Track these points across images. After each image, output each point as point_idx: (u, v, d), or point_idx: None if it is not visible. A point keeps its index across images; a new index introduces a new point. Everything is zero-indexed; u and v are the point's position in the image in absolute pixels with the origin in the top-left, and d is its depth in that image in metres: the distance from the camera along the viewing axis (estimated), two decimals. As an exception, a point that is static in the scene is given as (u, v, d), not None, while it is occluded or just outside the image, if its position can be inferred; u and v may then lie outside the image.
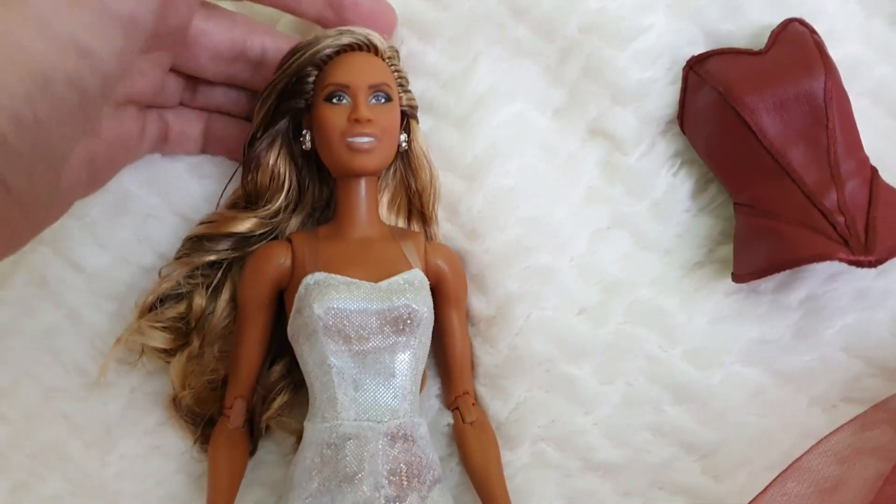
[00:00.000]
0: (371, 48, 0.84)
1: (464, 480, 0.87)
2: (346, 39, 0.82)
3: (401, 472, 0.77)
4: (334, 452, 0.76)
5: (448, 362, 0.88)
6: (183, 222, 0.91)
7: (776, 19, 0.90)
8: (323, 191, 0.91)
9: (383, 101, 0.82)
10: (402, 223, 0.91)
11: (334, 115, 0.81)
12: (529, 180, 0.92)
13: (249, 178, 0.86)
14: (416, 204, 0.91)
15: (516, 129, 0.93)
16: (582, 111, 0.93)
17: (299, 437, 0.86)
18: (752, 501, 0.75)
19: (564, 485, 0.87)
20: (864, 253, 0.80)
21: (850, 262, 0.80)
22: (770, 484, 0.76)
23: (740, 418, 0.86)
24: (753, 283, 0.89)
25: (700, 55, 0.91)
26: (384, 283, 0.80)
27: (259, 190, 0.87)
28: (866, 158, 0.86)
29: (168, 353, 0.86)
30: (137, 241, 0.90)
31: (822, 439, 0.78)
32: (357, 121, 0.80)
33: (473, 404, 0.88)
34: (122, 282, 0.89)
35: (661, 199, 0.92)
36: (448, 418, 0.89)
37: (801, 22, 0.90)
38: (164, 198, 0.91)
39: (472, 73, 0.93)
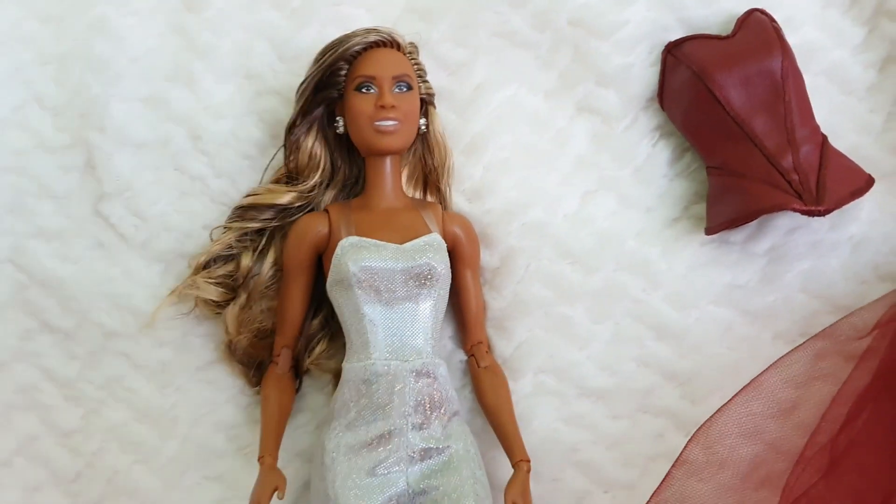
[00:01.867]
0: (394, 44, 0.97)
1: (475, 407, 0.99)
2: (372, 38, 0.95)
3: (425, 403, 0.89)
4: (368, 387, 0.89)
5: (464, 315, 1.00)
6: (223, 195, 1.03)
7: (741, 8, 1.03)
8: (353, 169, 1.03)
9: (405, 89, 0.96)
10: (418, 195, 1.03)
11: (363, 103, 0.94)
12: (523, 152, 1.05)
13: (290, 158, 0.99)
14: (433, 178, 1.03)
15: (511, 110, 1.06)
16: (571, 92, 1.06)
17: (335, 375, 0.98)
18: (718, 411, 0.87)
19: (562, 409, 0.99)
20: (815, 204, 0.93)
21: (804, 212, 0.93)
22: (733, 398, 0.88)
23: (713, 351, 0.99)
24: (725, 235, 1.02)
25: (676, 40, 1.04)
26: (408, 245, 0.93)
27: (299, 169, 0.99)
28: (818, 127, 0.99)
29: (218, 305, 0.98)
30: (176, 213, 1.02)
31: (778, 360, 0.90)
32: (383, 107, 0.93)
33: (487, 352, 1.00)
34: (166, 248, 1.01)
35: (643, 166, 1.05)
36: (460, 355, 1.01)
37: (762, 11, 1.03)
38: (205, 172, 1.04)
39: (474, 63, 1.06)
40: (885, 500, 0.85)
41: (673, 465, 0.86)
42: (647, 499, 0.87)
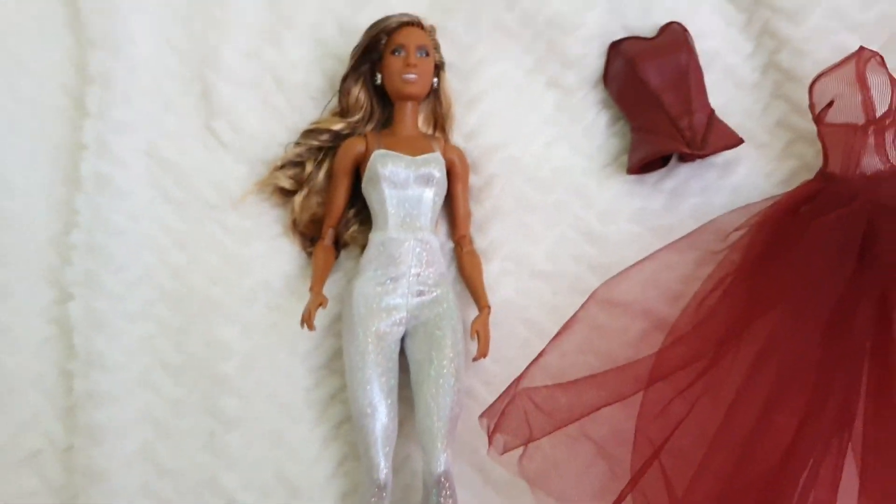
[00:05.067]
0: (419, 24, 1.34)
1: (457, 278, 1.34)
2: (405, 19, 1.33)
3: (423, 259, 1.26)
4: (385, 247, 1.25)
5: (455, 216, 1.36)
6: (295, 124, 1.41)
7: (664, 21, 1.40)
8: (385, 111, 1.39)
9: (424, 55, 1.33)
10: (430, 132, 1.39)
11: (396, 62, 1.32)
12: (506, 110, 1.41)
13: (343, 100, 1.36)
14: (441, 122, 1.39)
15: (500, 81, 1.42)
16: (543, 71, 1.42)
17: (362, 248, 1.33)
18: (621, 275, 1.23)
19: (518, 284, 1.34)
20: (699, 150, 1.29)
21: (690, 154, 1.29)
22: (629, 271, 1.24)
23: (626, 254, 1.31)
24: (640, 177, 1.37)
25: (618, 39, 1.40)
26: (419, 158, 1.29)
27: (349, 107, 1.36)
28: (708, 103, 1.34)
29: (288, 193, 1.35)
30: (261, 132, 1.39)
31: (660, 253, 1.26)
32: (408, 65, 1.31)
33: (469, 243, 1.35)
34: (253, 155, 1.38)
35: (590, 126, 1.40)
36: (450, 244, 1.37)
37: (678, 23, 1.39)
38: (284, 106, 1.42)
39: (476, 45, 1.42)
40: (729, 337, 1.18)
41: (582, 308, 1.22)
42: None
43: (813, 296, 1.18)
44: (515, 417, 1.13)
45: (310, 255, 1.34)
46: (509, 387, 1.14)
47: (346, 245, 1.36)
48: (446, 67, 1.41)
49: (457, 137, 1.41)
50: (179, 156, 1.38)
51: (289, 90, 1.42)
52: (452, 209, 1.36)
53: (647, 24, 1.42)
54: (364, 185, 1.31)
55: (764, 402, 1.11)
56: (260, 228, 1.37)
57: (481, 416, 1.14)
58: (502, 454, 1.12)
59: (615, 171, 1.40)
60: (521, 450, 1.14)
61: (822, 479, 1.09)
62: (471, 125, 1.41)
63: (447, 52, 1.41)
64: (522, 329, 1.33)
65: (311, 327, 1.18)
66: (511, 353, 1.30)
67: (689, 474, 1.12)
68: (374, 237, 1.28)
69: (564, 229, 1.37)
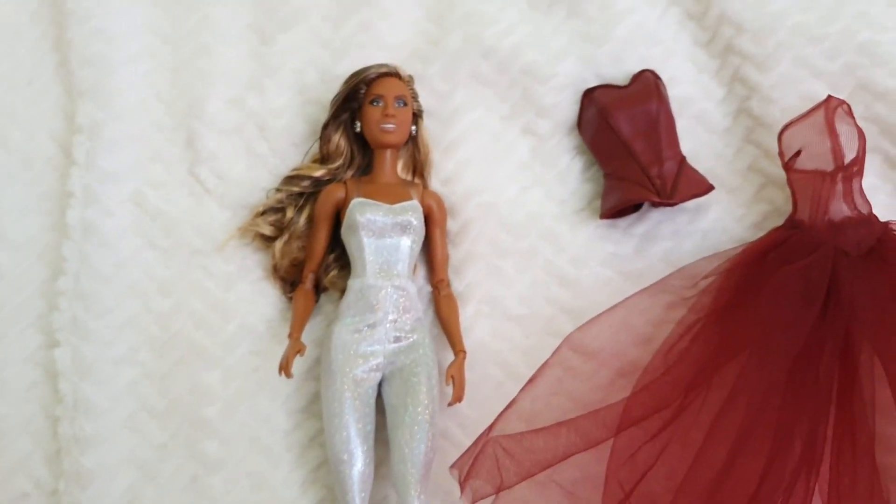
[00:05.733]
0: (397, 75, 1.37)
1: (435, 321, 1.36)
2: (383, 69, 1.36)
3: (400, 306, 1.28)
4: (363, 294, 1.28)
5: (432, 260, 1.38)
6: (276, 169, 1.43)
7: (638, 69, 1.43)
8: (365, 158, 1.42)
9: (402, 105, 1.35)
10: (409, 178, 1.42)
11: (374, 112, 1.34)
12: (482, 156, 1.44)
13: (323, 146, 1.39)
14: (419, 168, 1.42)
15: (476, 127, 1.45)
16: (518, 119, 1.45)
17: (341, 292, 1.36)
18: (592, 321, 1.26)
19: (493, 327, 1.36)
20: (668, 198, 1.32)
21: (659, 203, 1.32)
22: (601, 317, 1.27)
23: (597, 297, 1.34)
24: (613, 222, 1.39)
25: (590, 88, 1.43)
26: (396, 206, 1.32)
27: (329, 154, 1.39)
28: (679, 151, 1.37)
29: (268, 239, 1.37)
30: (244, 178, 1.42)
31: (633, 298, 1.28)
32: (386, 115, 1.33)
33: (446, 286, 1.37)
34: (235, 201, 1.41)
35: (563, 172, 1.43)
36: (429, 288, 1.39)
37: (651, 71, 1.42)
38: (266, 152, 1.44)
39: (454, 93, 1.45)
40: (698, 382, 1.20)
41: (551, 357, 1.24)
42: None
43: (779, 341, 1.20)
44: (486, 465, 1.15)
45: (290, 299, 1.37)
46: (481, 435, 1.16)
47: (325, 289, 1.38)
48: (424, 114, 1.43)
49: (435, 183, 1.44)
50: (165, 203, 1.41)
51: (271, 136, 1.44)
52: (430, 253, 1.39)
53: (620, 71, 1.45)
54: (343, 231, 1.34)
55: (731, 446, 1.14)
56: (243, 273, 1.39)
57: (452, 466, 1.16)
58: (473, 503, 1.14)
59: (588, 216, 1.42)
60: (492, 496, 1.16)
61: (788, 520, 1.11)
62: (448, 171, 1.44)
63: (425, 100, 1.44)
64: (497, 371, 1.35)
65: (288, 375, 1.21)
66: (485, 396, 1.31)
67: (659, 518, 1.14)
68: (353, 283, 1.31)
69: (538, 273, 1.40)
